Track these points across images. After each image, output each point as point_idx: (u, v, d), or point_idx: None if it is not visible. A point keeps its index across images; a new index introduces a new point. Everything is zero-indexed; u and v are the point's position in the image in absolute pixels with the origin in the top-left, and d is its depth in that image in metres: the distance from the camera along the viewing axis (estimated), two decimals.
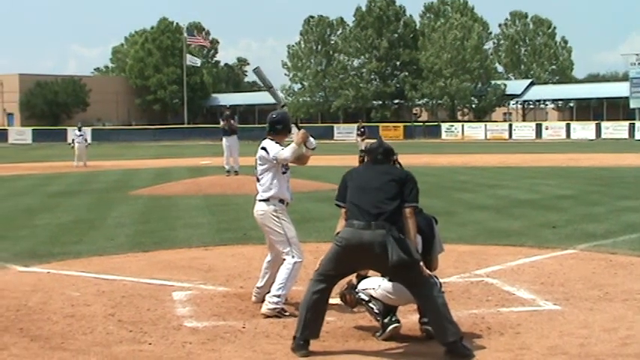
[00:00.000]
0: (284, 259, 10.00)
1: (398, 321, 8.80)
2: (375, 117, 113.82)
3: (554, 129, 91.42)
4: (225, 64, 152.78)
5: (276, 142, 10.16)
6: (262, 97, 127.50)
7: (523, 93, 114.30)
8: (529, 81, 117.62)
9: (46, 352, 8.41)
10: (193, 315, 9.97)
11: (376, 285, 8.90)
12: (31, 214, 21.78)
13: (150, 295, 10.97)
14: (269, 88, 11.30)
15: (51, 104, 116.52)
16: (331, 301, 8.74)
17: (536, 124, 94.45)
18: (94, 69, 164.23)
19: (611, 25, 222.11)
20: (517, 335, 8.88)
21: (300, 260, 10.01)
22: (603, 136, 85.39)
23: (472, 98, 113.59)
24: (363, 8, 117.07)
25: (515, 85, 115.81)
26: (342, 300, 9.28)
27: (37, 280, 12.20)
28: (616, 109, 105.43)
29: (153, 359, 8.19)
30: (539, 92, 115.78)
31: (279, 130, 10.27)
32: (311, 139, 10.15)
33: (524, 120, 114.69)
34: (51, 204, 24.35)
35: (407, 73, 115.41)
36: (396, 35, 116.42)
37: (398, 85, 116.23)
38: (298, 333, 8.35)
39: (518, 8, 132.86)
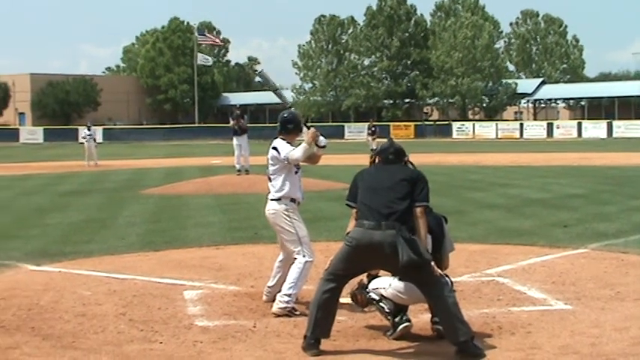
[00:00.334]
0: (295, 259, 10.01)
1: (409, 320, 8.80)
2: (386, 116, 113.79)
3: (566, 128, 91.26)
4: (236, 64, 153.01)
5: (287, 142, 10.17)
6: (273, 97, 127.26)
7: (534, 92, 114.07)
8: (540, 80, 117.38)
9: (58, 350, 8.43)
10: (204, 314, 9.97)
11: (387, 284, 8.89)
12: (43, 213, 21.84)
13: (161, 294, 10.99)
14: (274, 90, 11.34)
15: (62, 104, 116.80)
16: (342, 300, 8.74)
17: (548, 123, 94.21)
18: (105, 68, 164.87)
19: (623, 24, 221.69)
20: (528, 335, 8.87)
21: (311, 259, 10.02)
22: (615, 135, 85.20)
23: (483, 97, 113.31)
24: (374, 7, 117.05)
25: (526, 84, 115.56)
26: (353, 300, 9.27)
27: (49, 279, 12.23)
28: (627, 107, 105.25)
29: (164, 358, 8.20)
30: (550, 91, 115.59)
31: (290, 129, 10.28)
32: (321, 137, 10.15)
33: (535, 119, 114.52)
34: (62, 203, 24.40)
35: (418, 72, 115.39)
36: (407, 34, 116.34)
37: (409, 84, 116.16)
38: (309, 332, 8.35)
39: (529, 7, 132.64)
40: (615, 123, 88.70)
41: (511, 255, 13.87)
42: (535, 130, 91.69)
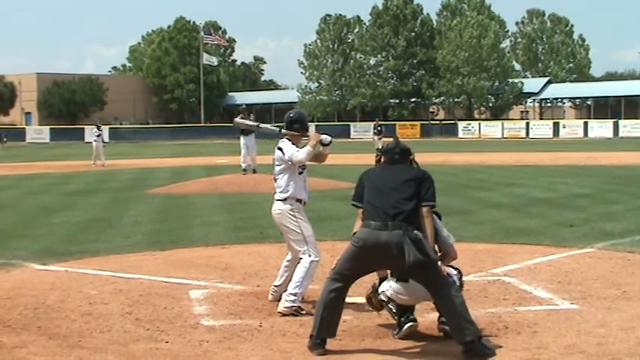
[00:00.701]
0: (301, 258, 10.02)
1: (414, 320, 8.80)
2: (392, 115, 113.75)
3: (572, 127, 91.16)
4: (242, 63, 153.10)
5: (293, 142, 10.18)
6: (279, 96, 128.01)
7: (540, 91, 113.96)
8: (546, 79, 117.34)
9: (64, 350, 8.44)
10: (210, 313, 9.98)
11: (388, 286, 8.91)
12: (49, 212, 21.86)
13: (167, 294, 11.00)
14: (258, 128, 11.44)
15: (68, 103, 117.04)
16: (348, 299, 8.74)
17: (554, 123, 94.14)
18: (112, 68, 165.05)
19: (629, 24, 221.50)
20: (534, 334, 8.86)
21: (317, 259, 10.02)
22: (621, 134, 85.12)
23: (489, 96, 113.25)
24: (380, 7, 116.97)
25: (532, 84, 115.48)
26: (368, 303, 9.28)
27: (55, 278, 12.24)
28: (634, 107, 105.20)
29: (170, 357, 8.20)
30: (556, 90, 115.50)
31: (296, 129, 10.30)
32: (324, 135, 10.17)
33: (541, 118, 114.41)
34: (68, 203, 24.43)
35: (424, 72, 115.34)
36: (413, 34, 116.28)
37: (415, 84, 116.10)
38: (315, 331, 8.35)
39: (535, 6, 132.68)
40: (621, 122, 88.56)
41: (517, 254, 13.86)
42: (541, 129, 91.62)
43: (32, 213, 21.96)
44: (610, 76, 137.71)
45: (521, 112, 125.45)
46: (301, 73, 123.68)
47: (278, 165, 10.20)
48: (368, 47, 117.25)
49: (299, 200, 10.15)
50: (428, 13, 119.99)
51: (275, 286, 10.47)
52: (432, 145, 66.55)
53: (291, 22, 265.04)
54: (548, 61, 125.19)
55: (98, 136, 46.46)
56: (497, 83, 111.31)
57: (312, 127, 10.56)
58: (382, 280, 9.07)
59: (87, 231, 17.76)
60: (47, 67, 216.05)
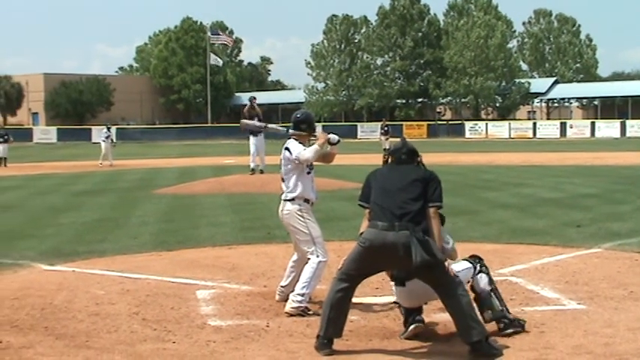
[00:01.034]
0: (309, 259, 10.02)
1: (420, 321, 8.80)
2: (399, 115, 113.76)
3: (579, 127, 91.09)
4: (249, 63, 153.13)
5: (300, 142, 10.19)
6: (286, 96, 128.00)
7: (547, 91, 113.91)
8: (553, 79, 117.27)
9: (71, 350, 8.45)
10: (217, 314, 9.99)
11: (394, 288, 8.94)
12: (56, 212, 21.89)
13: (174, 294, 11.00)
14: (265, 128, 11.44)
15: (75, 103, 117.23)
16: (355, 300, 8.74)
17: (561, 123, 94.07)
18: (118, 68, 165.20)
19: (636, 24, 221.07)
20: (541, 334, 8.86)
21: (324, 260, 10.02)
22: (628, 134, 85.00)
23: (496, 97, 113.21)
24: (387, 7, 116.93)
25: (539, 84, 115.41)
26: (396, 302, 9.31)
27: (62, 278, 12.26)
28: None
29: (177, 358, 8.21)
30: (563, 90, 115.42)
31: (303, 129, 10.30)
32: (331, 135, 10.18)
33: (548, 118, 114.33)
34: (76, 203, 24.46)
35: (431, 72, 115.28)
36: (420, 34, 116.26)
37: (422, 84, 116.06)
38: (322, 332, 8.35)
39: (542, 6, 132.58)
40: (629, 122, 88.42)
41: (524, 254, 13.85)
42: (548, 129, 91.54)
43: (40, 213, 22.00)
44: (617, 76, 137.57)
45: (529, 112, 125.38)
46: (308, 74, 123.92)
47: (285, 165, 10.20)
48: (375, 47, 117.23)
49: (307, 200, 10.16)
50: (435, 14, 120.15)
51: (282, 286, 10.48)
52: (439, 145, 66.52)
53: (298, 23, 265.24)
54: (555, 61, 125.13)
55: (107, 137, 46.54)
56: (504, 83, 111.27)
57: (319, 127, 10.62)
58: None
59: (94, 231, 17.78)
60: (54, 68, 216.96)
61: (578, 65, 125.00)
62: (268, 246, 15.29)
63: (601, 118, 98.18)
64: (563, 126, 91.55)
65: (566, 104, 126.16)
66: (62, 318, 9.75)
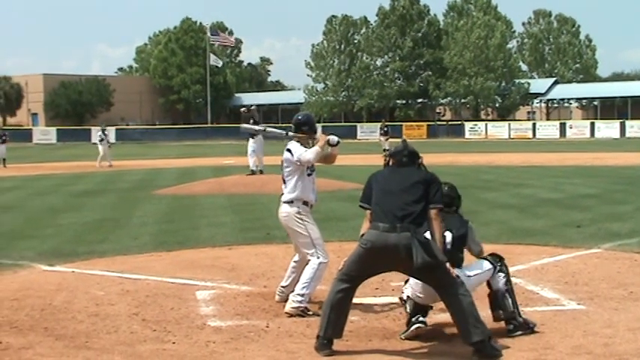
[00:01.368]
0: (309, 260, 10.02)
1: (423, 322, 8.80)
2: (399, 116, 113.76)
3: (579, 128, 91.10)
4: (249, 64, 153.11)
5: (302, 144, 10.19)
6: (285, 97, 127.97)
7: (547, 92, 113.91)
8: (553, 80, 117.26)
9: (71, 350, 8.45)
10: (217, 314, 9.99)
11: (409, 285, 8.95)
12: (56, 213, 21.89)
13: (173, 295, 11.01)
14: (263, 132, 11.43)
15: (75, 104, 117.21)
16: (355, 300, 8.74)
17: (560, 123, 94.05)
18: (118, 69, 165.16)
19: (636, 24, 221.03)
20: (541, 335, 8.87)
21: (325, 261, 10.02)
22: (628, 134, 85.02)
23: (496, 97, 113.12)
24: (387, 7, 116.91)
25: (539, 84, 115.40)
26: (401, 301, 9.31)
27: (62, 279, 12.26)
28: None
29: (177, 358, 8.22)
30: (563, 91, 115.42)
31: (304, 131, 10.31)
32: (331, 136, 10.18)
33: (548, 119, 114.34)
34: (75, 203, 24.46)
35: (430, 73, 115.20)
36: (419, 34, 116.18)
37: (421, 85, 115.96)
38: (322, 332, 8.35)
39: (541, 6, 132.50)
40: (628, 123, 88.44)
41: (524, 255, 13.85)
42: (548, 130, 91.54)
43: (39, 214, 22.00)
44: (617, 77, 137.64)
45: (528, 112, 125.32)
46: (308, 75, 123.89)
47: (287, 167, 10.19)
48: (374, 48, 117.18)
49: (306, 203, 10.16)
50: (435, 14, 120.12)
51: (282, 286, 10.48)
52: (439, 145, 66.49)
53: (297, 23, 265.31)
54: (554, 61, 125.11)
55: (101, 140, 46.51)
56: (503, 84, 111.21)
57: (318, 128, 10.54)
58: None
59: (94, 232, 17.78)
60: (54, 68, 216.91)
61: (577, 66, 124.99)
62: (268, 246, 15.30)
63: (601, 119, 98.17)
64: (562, 126, 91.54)
65: (566, 105, 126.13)
66: (62, 319, 9.76)
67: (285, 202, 10.19)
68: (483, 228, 17.18)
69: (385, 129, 54.22)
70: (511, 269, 12.39)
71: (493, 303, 9.06)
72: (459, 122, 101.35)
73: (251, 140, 29.93)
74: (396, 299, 10.49)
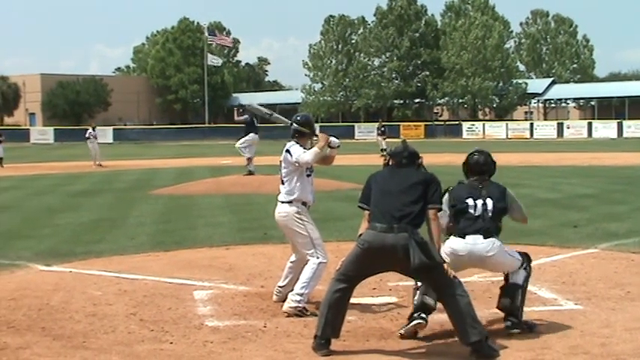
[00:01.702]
0: (308, 260, 10.02)
1: (424, 319, 8.78)
2: (397, 116, 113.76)
3: (576, 128, 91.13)
4: (246, 64, 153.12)
5: (301, 145, 10.19)
6: (283, 97, 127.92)
7: (544, 92, 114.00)
8: (550, 80, 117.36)
9: (68, 350, 8.45)
10: (214, 314, 9.99)
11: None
12: (53, 213, 21.88)
13: (171, 295, 11.01)
14: (269, 116, 11.39)
15: (73, 104, 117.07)
16: (353, 300, 8.74)
17: (558, 123, 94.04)
18: (116, 69, 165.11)
19: (633, 24, 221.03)
20: (538, 335, 8.87)
21: (325, 261, 10.02)
22: (625, 134, 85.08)
23: (493, 97, 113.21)
24: (384, 7, 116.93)
25: (536, 84, 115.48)
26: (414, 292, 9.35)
27: (59, 279, 12.25)
28: (638, 107, 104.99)
29: (174, 358, 8.21)
30: (560, 91, 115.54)
31: (304, 132, 10.30)
32: (332, 138, 10.19)
33: (545, 119, 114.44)
34: (73, 203, 24.45)
35: (428, 73, 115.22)
36: (417, 34, 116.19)
37: (419, 85, 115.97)
38: (319, 332, 8.36)
39: (539, 7, 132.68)
40: (625, 123, 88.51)
41: None
42: (545, 130, 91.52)
43: (36, 214, 21.98)
44: (614, 77, 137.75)
45: (526, 112, 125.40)
46: (305, 74, 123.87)
47: (285, 168, 10.18)
48: (372, 48, 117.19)
49: (304, 203, 10.16)
50: (432, 14, 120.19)
51: (279, 286, 10.48)
52: (437, 145, 66.44)
53: (295, 23, 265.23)
54: (552, 61, 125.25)
55: (87, 138, 46.53)
56: (501, 84, 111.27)
57: (316, 128, 10.55)
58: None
59: (91, 232, 17.78)
60: (51, 68, 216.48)
61: (575, 66, 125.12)
62: (265, 246, 15.29)
63: (598, 119, 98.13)
64: (560, 126, 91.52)
65: (564, 105, 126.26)
66: (59, 319, 9.75)
67: (283, 203, 10.18)
68: None
69: (382, 129, 54.32)
70: None
71: (504, 291, 9.09)
72: (457, 122, 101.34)
73: (244, 139, 29.49)
74: (393, 299, 10.51)
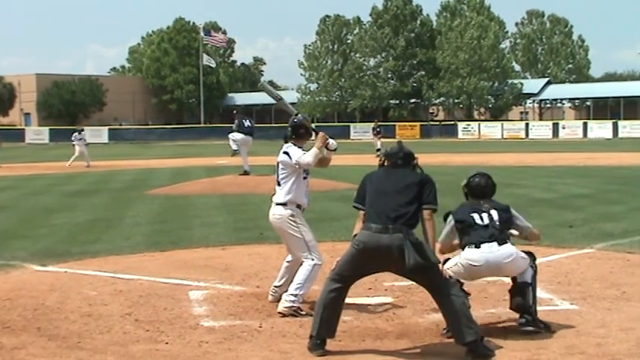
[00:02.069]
0: (303, 261, 10.01)
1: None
2: (392, 116, 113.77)
3: (571, 128, 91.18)
4: (242, 64, 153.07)
5: (299, 147, 10.18)
6: None
7: (540, 92, 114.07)
8: (546, 80, 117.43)
9: (64, 351, 8.45)
10: (210, 314, 9.99)
11: (453, 263, 9.09)
12: (49, 213, 21.85)
13: (166, 295, 11.00)
14: (278, 100, 11.34)
15: (68, 104, 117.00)
16: (348, 300, 8.74)
17: (553, 123, 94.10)
18: (111, 69, 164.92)
19: (628, 24, 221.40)
20: (534, 335, 8.86)
21: (319, 263, 10.01)
22: (620, 135, 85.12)
23: (489, 97, 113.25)
24: (380, 7, 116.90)
25: (531, 84, 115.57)
26: None
27: (55, 279, 12.24)
28: (633, 107, 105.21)
29: (169, 358, 8.21)
30: (556, 91, 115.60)
31: (301, 133, 10.29)
32: (331, 140, 10.18)
33: (540, 119, 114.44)
34: (68, 203, 24.42)
35: (424, 73, 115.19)
36: (412, 34, 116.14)
37: (415, 85, 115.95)
38: (314, 332, 8.36)
39: (534, 7, 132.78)
40: (621, 123, 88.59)
41: None
42: (541, 130, 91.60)
43: (32, 214, 21.95)
44: (609, 77, 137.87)
45: (521, 112, 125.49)
46: (301, 75, 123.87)
47: (284, 169, 10.17)
48: (367, 48, 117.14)
49: (299, 206, 10.15)
50: (428, 14, 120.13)
51: (275, 286, 10.47)
52: (432, 145, 66.45)
53: (291, 23, 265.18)
54: (547, 61, 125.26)
55: (80, 139, 46.59)
56: (496, 84, 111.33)
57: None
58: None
59: (87, 232, 17.75)
60: (47, 68, 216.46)
61: (570, 66, 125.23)
62: (261, 246, 15.28)
63: (593, 119, 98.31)
64: (555, 127, 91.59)
65: (559, 105, 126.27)
66: (54, 319, 9.74)
67: (278, 204, 10.17)
68: None
69: (378, 129, 54.38)
70: None
71: (514, 292, 9.09)
72: (452, 122, 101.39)
73: (236, 139, 29.25)
74: (389, 299, 10.52)
